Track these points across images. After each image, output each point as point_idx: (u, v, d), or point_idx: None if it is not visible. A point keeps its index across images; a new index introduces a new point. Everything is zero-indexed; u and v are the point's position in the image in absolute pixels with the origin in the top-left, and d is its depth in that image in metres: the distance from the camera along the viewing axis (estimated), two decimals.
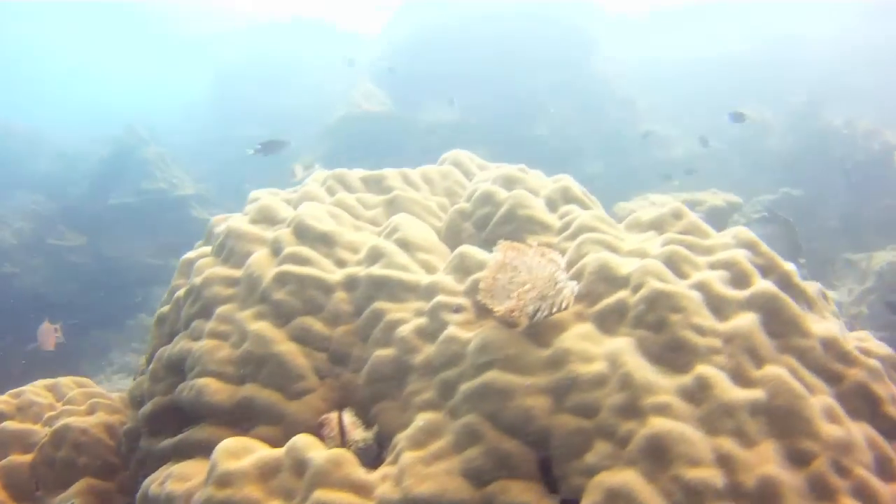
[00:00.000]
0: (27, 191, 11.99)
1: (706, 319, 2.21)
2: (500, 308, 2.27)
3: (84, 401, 3.32)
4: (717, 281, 2.35)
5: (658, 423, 1.93)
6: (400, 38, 13.63)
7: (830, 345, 2.21)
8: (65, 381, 3.66)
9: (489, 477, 2.02)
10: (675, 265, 2.42)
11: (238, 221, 2.98)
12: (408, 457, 2.11)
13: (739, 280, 2.37)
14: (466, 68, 12.47)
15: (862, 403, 2.11)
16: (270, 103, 15.67)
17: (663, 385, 2.04)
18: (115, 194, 11.23)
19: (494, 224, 2.95)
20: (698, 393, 2.02)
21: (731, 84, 13.09)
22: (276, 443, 2.33)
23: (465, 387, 2.20)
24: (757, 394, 2.02)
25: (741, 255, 2.44)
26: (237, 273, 2.78)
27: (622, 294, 2.33)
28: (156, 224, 11.19)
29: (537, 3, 12.99)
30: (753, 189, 10.23)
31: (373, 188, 3.41)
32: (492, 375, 2.16)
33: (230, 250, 2.87)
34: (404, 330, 2.45)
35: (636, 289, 2.29)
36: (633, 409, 1.98)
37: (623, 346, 2.15)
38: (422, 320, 2.48)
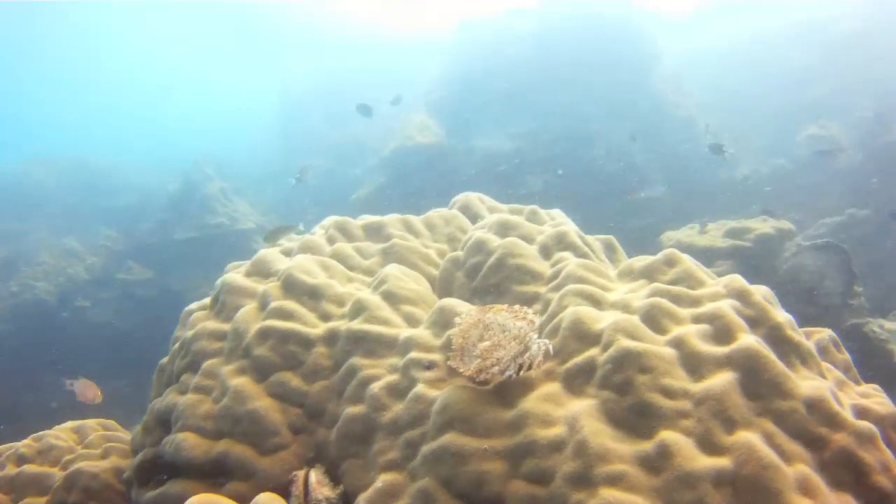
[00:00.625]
0: (106, 225, 12.75)
1: (677, 380, 2.12)
2: (466, 368, 2.26)
3: (101, 444, 3.47)
4: (697, 336, 2.25)
5: (607, 496, 1.85)
6: (452, 68, 13.79)
7: (816, 406, 2.07)
8: (90, 423, 3.84)
9: None
10: (654, 319, 2.34)
11: (233, 275, 3.07)
12: None
13: (722, 335, 2.26)
14: (520, 93, 12.48)
15: (846, 472, 1.97)
16: (336, 133, 16.09)
17: (621, 452, 1.97)
18: (180, 229, 11.78)
19: (484, 273, 2.93)
20: (658, 461, 1.94)
21: (796, 99, 12.56)
22: (246, 499, 2.37)
23: (425, 448, 2.18)
24: (723, 462, 1.92)
25: (727, 308, 2.33)
26: (226, 327, 2.86)
27: (592, 352, 2.26)
28: (217, 258, 11.63)
29: (591, 21, 12.89)
30: (819, 210, 9.73)
31: (373, 236, 3.45)
32: (449, 438, 2.14)
33: (222, 304, 2.97)
34: (376, 387, 2.46)
35: (605, 347, 2.23)
36: (585, 479, 1.92)
37: (584, 410, 2.09)
38: (394, 377, 2.48)
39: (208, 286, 10.32)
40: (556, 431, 2.07)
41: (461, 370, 2.27)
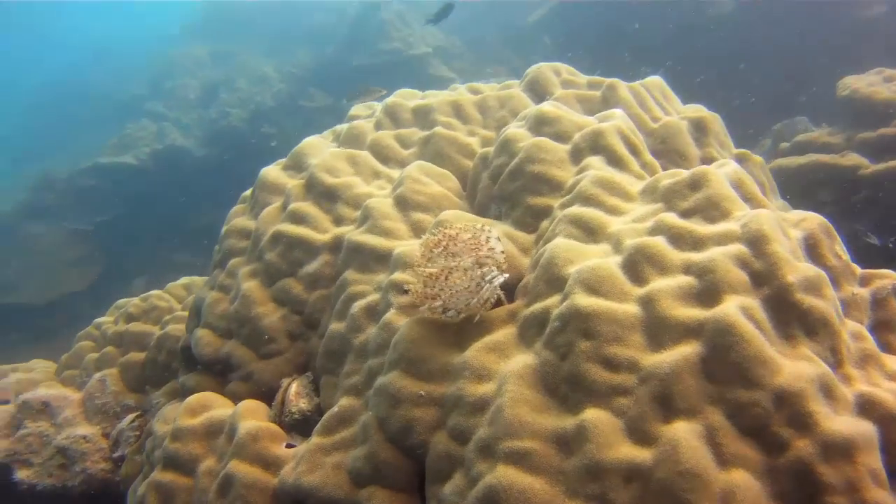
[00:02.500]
0: (300, 45, 13.49)
1: (629, 348, 1.92)
2: (406, 299, 2.22)
3: None
4: (674, 295, 1.98)
5: (502, 475, 1.81)
6: None
7: (788, 400, 1.77)
8: (198, 280, 4.41)
9: (365, 481, 2.13)
10: (635, 266, 2.08)
11: (268, 169, 3.20)
12: (313, 442, 2.29)
13: (708, 294, 1.96)
14: None
15: (795, 488, 1.71)
16: None
17: (537, 427, 1.88)
18: (357, 56, 12.10)
19: (503, 178, 2.75)
20: (574, 443, 1.83)
21: None
22: (243, 397, 2.67)
23: (377, 381, 2.26)
24: (644, 456, 1.76)
25: (724, 259, 1.99)
26: (253, 225, 3.05)
27: (552, 301, 2.10)
28: (393, 84, 11.93)
29: None
30: None
31: (420, 121, 3.34)
32: (392, 377, 2.18)
33: (255, 200, 3.14)
34: (357, 306, 2.53)
35: (563, 298, 2.05)
36: (490, 450, 1.88)
37: (517, 370, 1.99)
38: (376, 297, 2.52)
39: None
40: (485, 389, 2.02)
41: (413, 301, 2.23)
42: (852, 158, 4.80)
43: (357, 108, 4.11)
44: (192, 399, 2.60)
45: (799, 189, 4.96)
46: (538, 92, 3.45)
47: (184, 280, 4.41)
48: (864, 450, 1.73)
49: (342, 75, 12.06)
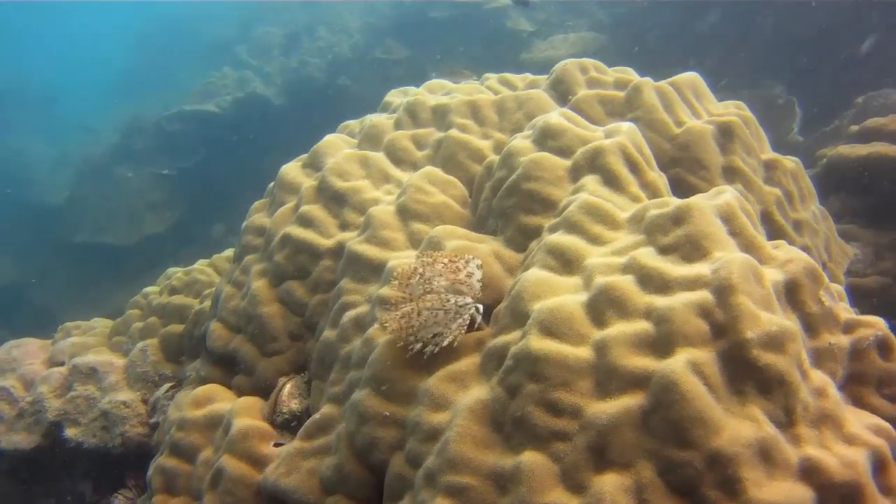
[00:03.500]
0: None
1: (575, 395, 2.00)
2: (388, 327, 2.36)
3: None
4: (628, 343, 2.03)
5: None
6: None
7: (721, 464, 1.80)
8: None
9: (333, 489, 2.33)
10: (597, 309, 2.14)
11: (288, 167, 3.37)
12: (294, 445, 2.50)
13: (661, 345, 2.00)
14: None
15: None
16: None
17: (478, 463, 2.01)
18: (435, 8, 12.02)
19: (501, 193, 2.81)
20: (509, 483, 1.95)
21: None
22: (246, 392, 2.91)
23: (353, 395, 2.44)
24: None
25: (683, 309, 2.02)
26: (269, 224, 3.24)
27: (513, 337, 2.20)
28: (469, 37, 11.82)
29: None
30: None
31: (438, 122, 3.41)
32: (363, 394, 2.34)
33: (273, 197, 3.32)
34: (348, 316, 2.69)
35: (521, 336, 2.14)
36: (432, 481, 2.03)
37: (470, 404, 2.11)
38: (365, 309, 2.68)
39: (461, 67, 10.65)
40: (440, 418, 2.16)
41: (387, 326, 2.37)
42: None
43: (392, 94, 4.20)
44: (199, 391, 2.86)
45: (859, 182, 4.73)
46: (561, 91, 3.45)
47: (228, 252, 4.69)
48: None
49: (420, 27, 12.05)
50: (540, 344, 2.05)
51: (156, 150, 13.35)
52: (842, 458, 1.92)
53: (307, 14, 14.24)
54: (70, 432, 3.79)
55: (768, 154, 3.40)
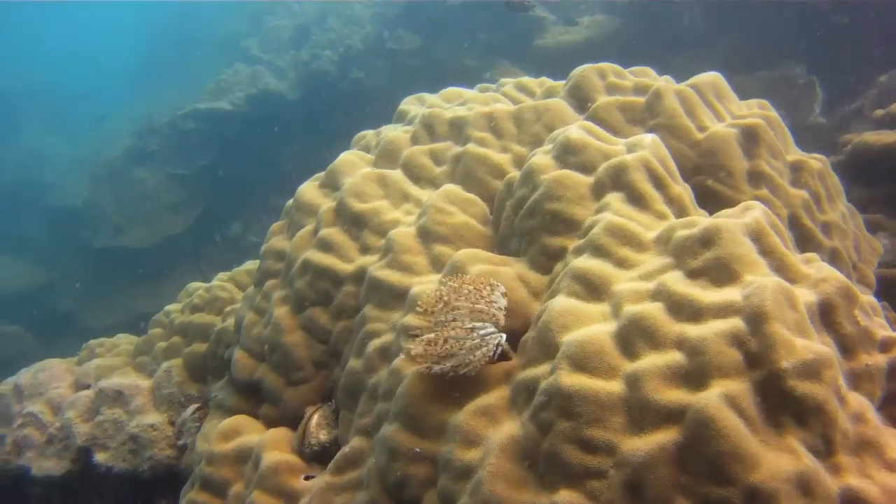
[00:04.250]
0: None
1: (608, 431, 1.98)
2: (413, 353, 2.34)
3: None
4: (661, 376, 2.01)
5: None
6: None
7: (760, 500, 1.80)
8: None
9: None
10: (628, 340, 2.11)
11: (305, 188, 3.35)
12: (325, 480, 2.51)
13: (695, 377, 1.98)
14: None
15: None
16: None
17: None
18: None
19: (523, 213, 2.78)
20: None
21: None
22: (273, 421, 2.93)
23: (381, 430, 2.43)
24: None
25: (716, 340, 1.99)
26: (289, 248, 3.23)
27: (542, 370, 2.18)
28: (482, 24, 11.70)
29: None
30: None
31: (455, 135, 3.38)
32: (392, 430, 2.34)
33: (290, 220, 3.31)
34: (373, 345, 2.69)
35: (551, 371, 2.12)
36: None
37: (502, 442, 2.10)
38: (390, 338, 2.67)
39: (472, 56, 10.58)
40: (472, 456, 2.15)
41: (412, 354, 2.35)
42: None
43: (407, 102, 4.17)
44: (226, 424, 2.88)
45: (885, 171, 4.63)
46: (580, 98, 3.40)
47: (248, 265, 4.71)
48: None
49: (431, 15, 11.93)
50: (571, 380, 2.03)
51: (171, 150, 13.41)
52: (883, 486, 1.90)
53: (316, 5, 14.17)
54: (100, 457, 3.84)
55: (794, 155, 3.34)
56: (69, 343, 11.51)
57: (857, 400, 2.09)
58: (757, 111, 3.45)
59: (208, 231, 13.31)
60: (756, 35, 8.55)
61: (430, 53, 11.85)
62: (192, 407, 3.87)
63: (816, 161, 3.33)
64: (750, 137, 3.15)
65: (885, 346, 2.26)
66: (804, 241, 3.09)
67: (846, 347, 2.20)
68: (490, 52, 11.52)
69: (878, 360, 2.21)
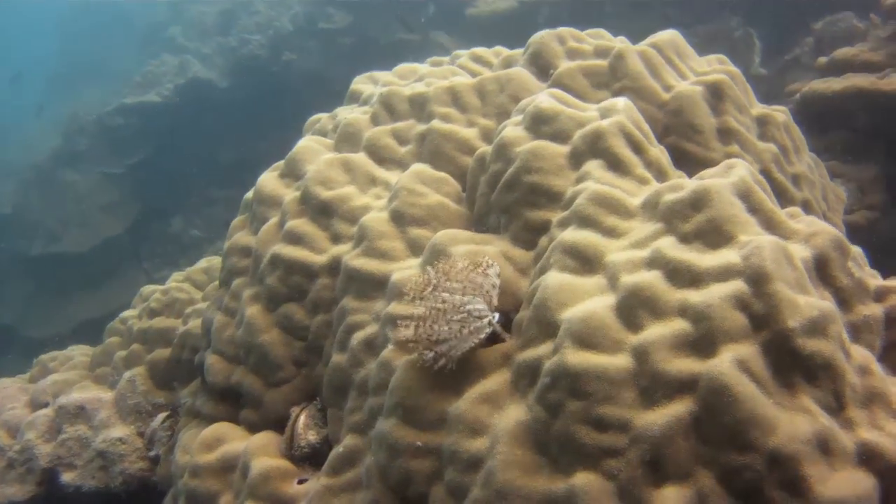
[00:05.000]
0: None
1: (621, 407, 1.91)
2: (402, 337, 2.23)
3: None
4: (668, 346, 1.94)
5: None
6: None
7: (782, 463, 1.75)
8: (216, 262, 4.48)
9: None
10: (630, 311, 2.03)
11: (265, 179, 3.17)
12: (321, 482, 2.38)
13: (703, 344, 1.92)
14: None
15: None
16: None
17: (528, 491, 1.92)
18: None
19: (500, 188, 2.68)
20: None
21: None
22: (256, 426, 2.78)
23: (377, 425, 2.32)
24: None
25: (722, 304, 1.93)
26: (253, 242, 3.06)
27: (544, 349, 2.09)
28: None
29: None
30: None
31: (417, 113, 3.24)
32: (390, 425, 2.23)
33: (253, 214, 3.13)
34: (357, 338, 2.55)
35: (555, 350, 2.04)
36: None
37: (510, 428, 2.01)
38: (374, 329, 2.54)
39: (405, 31, 10.32)
40: (479, 445, 2.05)
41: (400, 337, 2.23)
42: (894, 82, 4.48)
43: (358, 81, 4.01)
44: (207, 433, 2.72)
45: (837, 118, 4.68)
46: (541, 66, 3.30)
47: (203, 263, 4.50)
48: None
49: None
50: (577, 358, 1.95)
51: (101, 148, 12.82)
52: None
53: None
54: (67, 477, 3.62)
55: (758, 109, 3.31)
56: (13, 357, 10.97)
57: (860, 352, 2.07)
58: (718, 67, 3.41)
59: (149, 230, 12.83)
60: None
61: (363, 30, 11.57)
62: (162, 415, 3.68)
63: (780, 113, 3.32)
64: (716, 94, 3.11)
65: (879, 295, 2.24)
66: (777, 195, 3.06)
67: (843, 300, 2.17)
68: (426, 25, 11.30)
69: (875, 310, 2.20)
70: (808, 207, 3.15)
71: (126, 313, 4.32)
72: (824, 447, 1.80)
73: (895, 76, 4.51)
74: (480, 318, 2.17)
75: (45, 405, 3.92)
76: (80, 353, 4.61)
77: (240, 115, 12.17)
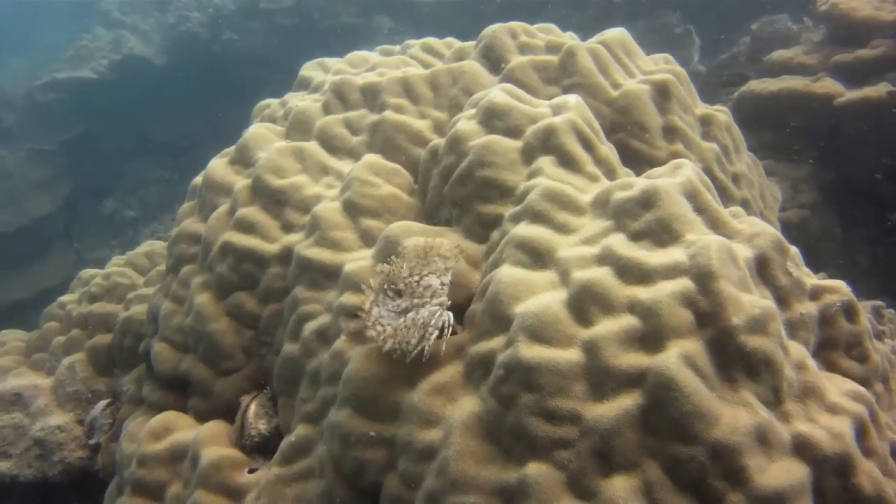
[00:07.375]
0: None
1: (571, 400, 1.95)
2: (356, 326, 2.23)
3: (158, 281, 3.98)
4: (617, 341, 1.99)
5: None
6: None
7: (723, 454, 1.82)
8: (159, 246, 4.36)
9: None
10: (581, 307, 2.07)
11: (214, 165, 3.10)
12: (273, 472, 2.36)
13: (651, 340, 1.97)
14: None
15: None
16: None
17: (482, 480, 1.95)
18: None
19: (453, 182, 2.68)
20: (516, 497, 1.90)
21: None
22: (205, 415, 2.73)
23: (330, 415, 2.31)
24: None
25: (668, 301, 1.99)
26: (203, 230, 2.99)
27: (497, 343, 2.11)
28: None
29: None
30: None
31: (370, 103, 3.21)
32: (343, 416, 2.22)
33: (202, 201, 3.06)
34: (309, 328, 2.53)
35: (507, 344, 2.07)
36: (437, 503, 1.97)
37: (463, 419, 2.04)
38: (326, 319, 2.53)
39: (350, 14, 10.17)
40: (432, 436, 2.07)
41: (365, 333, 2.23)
42: (826, 85, 4.67)
43: (308, 68, 3.94)
44: (155, 422, 2.66)
45: (771, 118, 4.85)
46: (493, 59, 3.31)
47: (144, 247, 4.38)
48: (795, 500, 1.82)
49: None
50: (531, 351, 1.98)
51: (31, 124, 12.23)
52: (829, 429, 1.98)
53: None
54: (2, 466, 3.49)
55: (701, 108, 3.41)
56: None
57: (796, 349, 2.16)
58: (664, 66, 3.49)
59: (81, 209, 12.36)
60: None
61: (306, 11, 11.35)
62: (103, 403, 3.57)
63: (722, 114, 3.42)
64: (662, 93, 3.18)
65: (814, 294, 2.35)
66: (719, 193, 3.17)
67: (781, 298, 2.27)
68: (369, 8, 11.16)
69: (810, 308, 2.30)
70: (747, 206, 3.26)
71: (64, 297, 4.16)
72: (763, 439, 1.89)
73: (828, 80, 4.71)
74: (435, 313, 2.18)
75: None
76: (13, 337, 4.42)
77: (177, 95, 11.82)
